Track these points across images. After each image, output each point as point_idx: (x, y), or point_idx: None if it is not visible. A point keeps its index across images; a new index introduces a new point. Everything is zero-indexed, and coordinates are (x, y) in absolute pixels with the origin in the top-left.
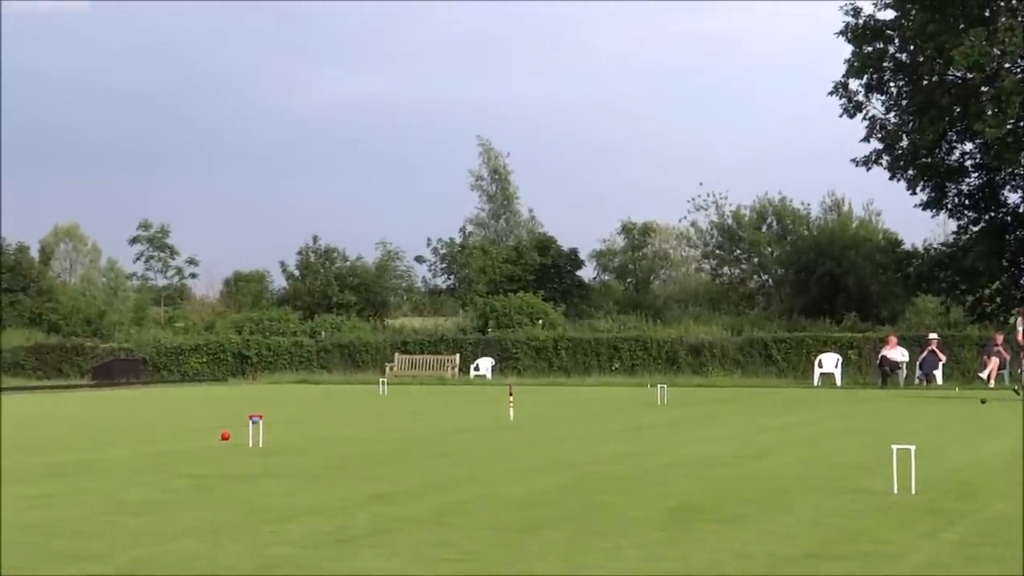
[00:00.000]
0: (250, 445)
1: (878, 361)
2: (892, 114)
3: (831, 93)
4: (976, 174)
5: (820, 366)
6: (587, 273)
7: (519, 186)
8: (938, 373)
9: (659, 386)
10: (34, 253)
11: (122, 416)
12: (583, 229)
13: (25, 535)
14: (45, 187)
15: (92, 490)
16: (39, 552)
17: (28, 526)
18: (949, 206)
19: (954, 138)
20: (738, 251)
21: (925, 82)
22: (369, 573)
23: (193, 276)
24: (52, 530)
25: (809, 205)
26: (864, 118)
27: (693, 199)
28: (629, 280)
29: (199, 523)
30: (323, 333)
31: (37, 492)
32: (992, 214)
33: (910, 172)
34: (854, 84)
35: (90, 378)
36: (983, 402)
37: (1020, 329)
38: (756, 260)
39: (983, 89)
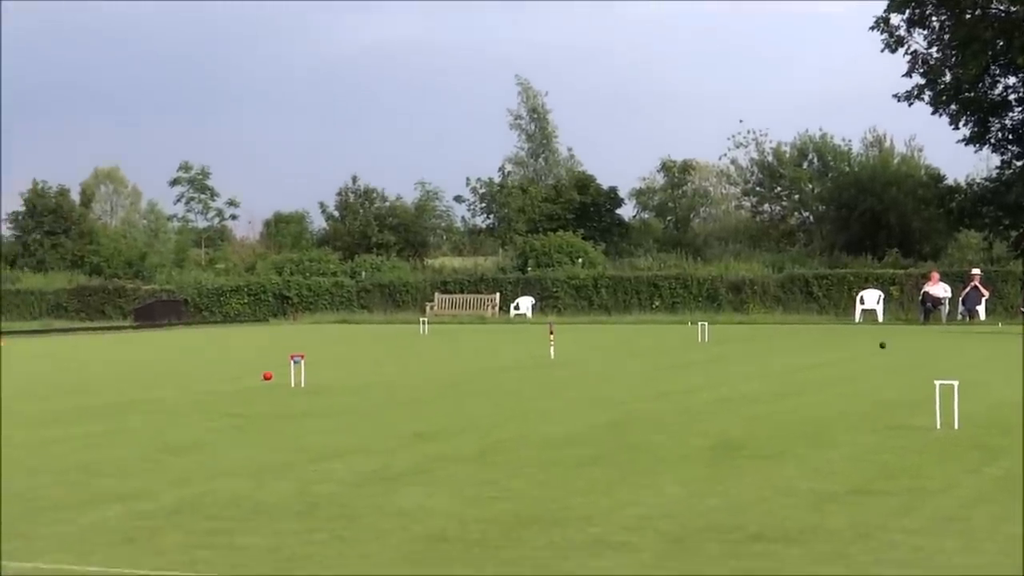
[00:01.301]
0: (292, 385)
1: (920, 297)
2: (934, 49)
3: (872, 28)
4: (1019, 108)
5: (862, 303)
6: (627, 211)
7: (558, 125)
8: (981, 309)
9: (700, 324)
10: (75, 196)
11: (164, 357)
12: (622, 167)
13: (69, 474)
14: (85, 130)
15: (135, 430)
16: (83, 491)
17: (72, 466)
18: (992, 141)
19: (997, 72)
20: (778, 188)
21: (968, 15)
22: (412, 510)
23: (233, 218)
24: (96, 470)
25: (850, 142)
26: (906, 53)
27: (733, 136)
28: (669, 218)
29: (243, 462)
30: (363, 273)
31: (80, 432)
32: None
33: (952, 107)
34: (896, 19)
35: (132, 319)
36: None
37: None
38: (797, 197)
39: None
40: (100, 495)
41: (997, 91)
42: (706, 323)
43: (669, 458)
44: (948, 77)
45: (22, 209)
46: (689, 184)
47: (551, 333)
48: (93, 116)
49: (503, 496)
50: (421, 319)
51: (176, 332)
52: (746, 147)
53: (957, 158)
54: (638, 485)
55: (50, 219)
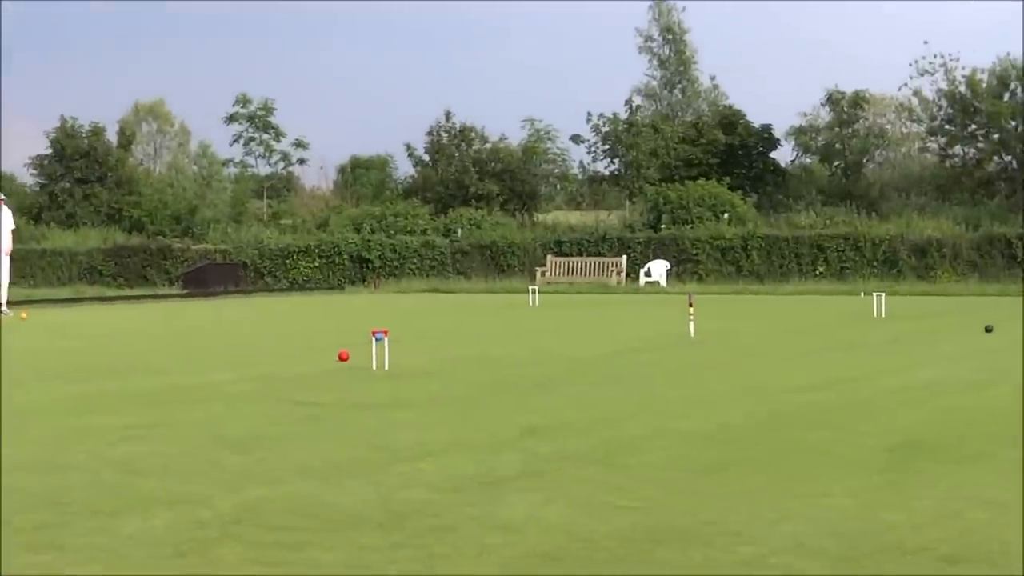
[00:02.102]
0: (373, 367)
1: None
2: None
3: None
4: None
5: None
6: (783, 155)
7: (698, 48)
8: None
9: (875, 294)
10: (111, 137)
11: (219, 332)
12: (778, 100)
13: (107, 474)
14: (122, 57)
15: (187, 421)
16: (125, 494)
17: (112, 463)
18: None
19: None
20: (973, 126)
21: None
22: (520, 523)
23: (302, 162)
24: (140, 469)
25: None
26: None
27: (916, 62)
28: (836, 163)
29: (315, 461)
30: (459, 231)
31: (121, 423)
32: None
33: None
34: None
35: (180, 286)
36: None
37: None
38: (996, 137)
39: None
40: (144, 499)
41: None
42: (883, 294)
43: (836, 462)
44: None
45: (48, 152)
46: (862, 121)
47: (690, 305)
48: (131, 38)
49: (632, 506)
50: (530, 287)
51: (233, 302)
52: (933, 75)
53: None
54: (799, 495)
55: (81, 164)
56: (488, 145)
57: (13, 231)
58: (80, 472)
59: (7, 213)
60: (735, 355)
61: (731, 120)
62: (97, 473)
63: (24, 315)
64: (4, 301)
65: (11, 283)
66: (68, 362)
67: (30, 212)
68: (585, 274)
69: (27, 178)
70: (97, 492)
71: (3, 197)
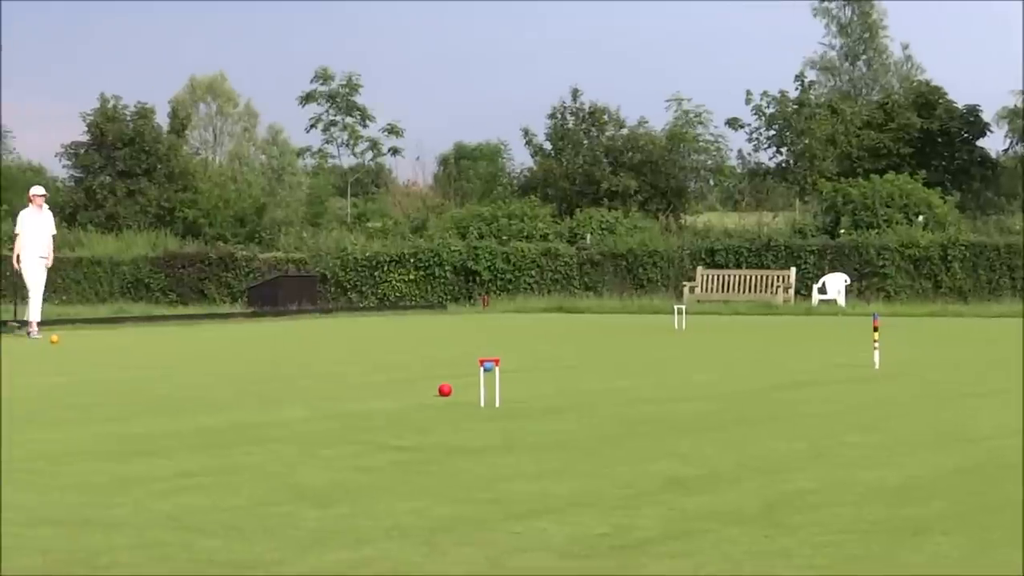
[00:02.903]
0: (482, 403)
1: None
2: None
3: None
4: None
5: None
6: (994, 144)
7: (887, 11)
8: None
9: None
10: (161, 120)
11: (292, 360)
12: (987, 76)
13: (157, 531)
14: (174, 23)
15: (255, 467)
16: (181, 556)
17: (162, 519)
18: None
19: None
20: None
21: None
22: None
23: (395, 152)
24: (199, 525)
25: None
26: None
27: None
28: None
29: (408, 518)
30: (588, 237)
31: (176, 470)
32: None
33: None
34: None
35: (244, 303)
36: None
37: None
38: None
39: None
40: (200, 563)
41: None
42: None
43: None
44: None
45: (85, 139)
46: None
47: (875, 330)
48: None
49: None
50: (675, 306)
51: (309, 323)
52: None
53: None
54: (1010, 563)
55: (125, 153)
56: (624, 131)
57: (54, 237)
58: (123, 529)
59: (48, 215)
60: (930, 392)
61: (928, 100)
62: (143, 530)
63: (55, 338)
64: (36, 319)
65: (43, 299)
66: (109, 396)
67: (63, 212)
68: (744, 290)
69: (59, 170)
70: (144, 554)
71: (44, 193)
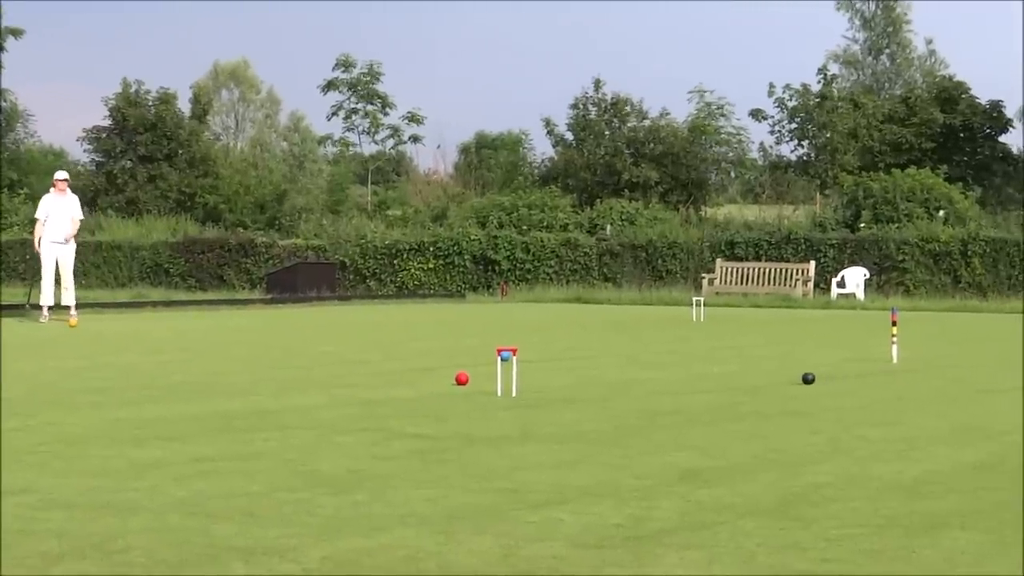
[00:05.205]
0: (499, 393)
1: None
2: None
3: None
4: None
5: None
6: (1016, 140)
7: (911, 5)
8: None
9: None
10: (183, 105)
11: (311, 347)
12: (1011, 71)
13: (173, 517)
14: (198, 8)
15: (271, 453)
16: (196, 542)
17: (179, 504)
18: None
19: None
20: None
21: None
22: None
23: (415, 141)
24: (215, 511)
25: None
26: None
27: None
28: None
29: (424, 506)
30: (609, 228)
31: (191, 455)
32: None
33: None
34: None
35: (264, 290)
36: None
37: None
38: None
39: None
40: (216, 548)
41: None
42: None
43: None
44: None
45: (106, 123)
46: None
47: (894, 324)
48: None
49: (817, 570)
50: (694, 298)
51: (328, 309)
52: None
53: None
54: None
55: (146, 138)
56: (646, 122)
57: (81, 221)
58: (139, 514)
59: (73, 199)
60: (948, 387)
61: (951, 95)
62: (160, 515)
63: (73, 322)
64: (48, 303)
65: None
66: (126, 380)
67: (84, 196)
68: (763, 283)
69: (80, 154)
70: (159, 538)
71: (67, 178)
